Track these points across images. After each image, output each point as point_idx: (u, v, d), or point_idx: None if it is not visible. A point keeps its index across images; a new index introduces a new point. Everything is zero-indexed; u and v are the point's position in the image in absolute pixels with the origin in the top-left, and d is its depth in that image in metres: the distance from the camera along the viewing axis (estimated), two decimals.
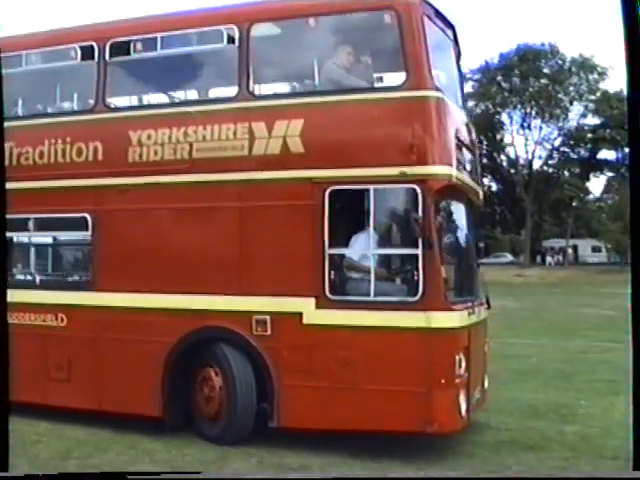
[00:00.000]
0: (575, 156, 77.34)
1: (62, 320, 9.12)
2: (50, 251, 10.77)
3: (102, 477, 5.33)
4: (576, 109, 75.39)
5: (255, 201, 8.35)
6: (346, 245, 8.23)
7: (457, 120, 8.75)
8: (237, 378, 8.24)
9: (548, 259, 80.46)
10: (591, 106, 74.97)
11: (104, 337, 8.87)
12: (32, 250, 10.18)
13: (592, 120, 75.60)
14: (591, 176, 79.08)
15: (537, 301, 35.84)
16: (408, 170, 7.73)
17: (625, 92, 4.12)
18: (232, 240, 8.44)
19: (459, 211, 8.91)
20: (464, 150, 8.72)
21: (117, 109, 9.45)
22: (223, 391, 8.33)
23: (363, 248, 8.12)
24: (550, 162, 77.57)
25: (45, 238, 10.34)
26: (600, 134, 72.76)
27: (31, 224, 9.40)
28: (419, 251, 7.70)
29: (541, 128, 76.26)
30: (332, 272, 8.04)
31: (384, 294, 7.95)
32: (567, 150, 75.86)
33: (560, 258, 78.76)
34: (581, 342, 17.81)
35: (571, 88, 74.30)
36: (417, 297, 7.72)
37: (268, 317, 8.17)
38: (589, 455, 8.15)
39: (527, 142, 77.21)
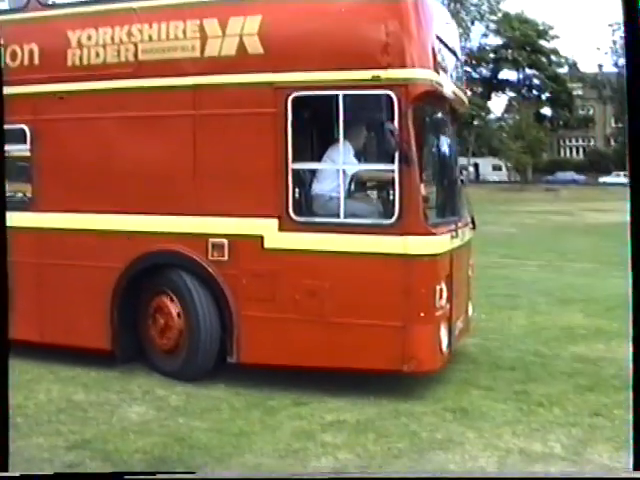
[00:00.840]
0: (477, 75, 79.13)
1: None
2: None
3: (100, 477, 5.13)
4: (478, 29, 77.77)
5: (210, 109, 7.36)
6: (312, 159, 7.33)
7: (438, 18, 7.68)
8: (197, 306, 7.41)
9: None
10: (492, 26, 77.35)
11: (46, 262, 7.99)
12: None
13: (494, 40, 78.61)
14: (493, 95, 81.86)
15: None
16: (382, 74, 6.72)
17: None
18: (185, 153, 7.47)
19: (441, 121, 7.94)
20: (446, 52, 7.67)
21: (53, 6, 8.33)
22: (182, 321, 7.50)
23: (331, 163, 7.18)
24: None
25: None
26: (502, 54, 75.99)
27: None
28: (395, 167, 6.74)
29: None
30: (296, 190, 7.12)
31: (355, 215, 7.03)
32: (469, 69, 75.24)
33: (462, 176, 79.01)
34: (481, 258, 17.52)
35: (472, 8, 74.49)
36: (393, 219, 6.79)
37: (225, 240, 7.28)
38: (488, 366, 8.17)
39: None
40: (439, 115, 7.88)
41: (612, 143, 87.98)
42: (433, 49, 7.05)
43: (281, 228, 7.09)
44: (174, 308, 7.53)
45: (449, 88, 7.69)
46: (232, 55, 7.21)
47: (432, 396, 7.11)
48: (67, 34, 7.80)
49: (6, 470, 3.90)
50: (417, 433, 6.17)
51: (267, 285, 7.14)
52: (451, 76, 7.88)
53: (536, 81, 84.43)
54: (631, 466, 3.94)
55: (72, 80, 7.80)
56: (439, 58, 7.25)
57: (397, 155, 6.69)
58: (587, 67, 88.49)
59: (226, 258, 7.29)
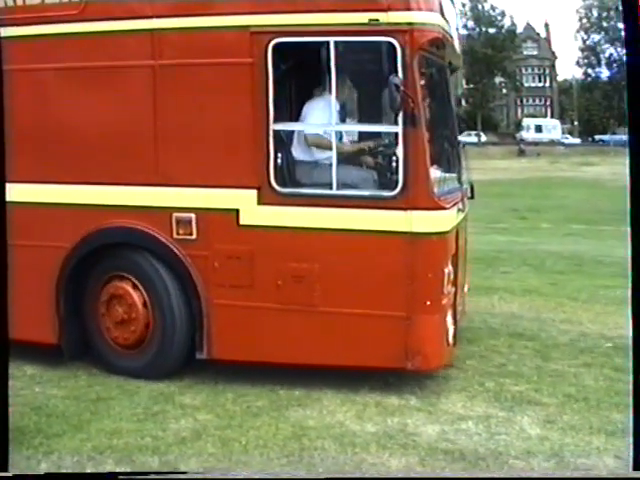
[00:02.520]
0: None
1: None
2: None
3: (93, 477, 4.83)
4: None
5: (172, 59, 6.18)
6: (298, 118, 6.25)
7: None
8: (167, 294, 6.31)
9: None
10: None
11: None
12: None
13: None
14: None
15: None
16: (382, 17, 5.64)
17: None
18: (143, 112, 6.29)
19: (444, 75, 6.88)
20: None
21: None
22: (149, 311, 6.38)
23: (321, 123, 6.11)
24: None
25: None
26: None
27: None
28: (399, 129, 5.70)
29: None
30: (279, 155, 6.00)
31: (351, 186, 5.99)
32: None
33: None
34: None
35: None
36: (396, 191, 5.76)
37: (193, 215, 6.16)
38: None
39: None
40: (442, 68, 6.81)
41: (464, 103, 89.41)
42: None
43: (261, 201, 6.02)
44: (138, 296, 6.41)
45: (450, 37, 6.65)
46: None
47: None
48: None
49: (6, 470, 3.92)
50: (275, 391, 6.13)
51: (244, 269, 6.08)
52: (450, 24, 6.82)
53: None
54: (631, 466, 3.93)
55: (6, 24, 6.36)
56: (443, 1, 6.22)
57: (401, 114, 5.65)
58: None
59: (194, 237, 6.19)
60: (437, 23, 5.91)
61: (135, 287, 6.39)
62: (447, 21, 6.42)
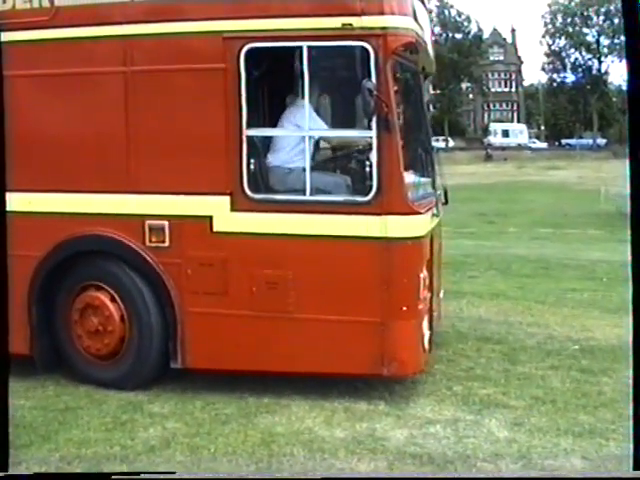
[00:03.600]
0: None
1: None
2: None
3: (86, 477, 4.84)
4: None
5: (144, 65, 6.11)
6: (271, 124, 6.20)
7: None
8: (141, 301, 6.24)
9: None
10: None
11: None
12: None
13: None
14: None
15: None
16: (355, 21, 5.60)
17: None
18: (115, 119, 6.21)
19: (416, 80, 6.86)
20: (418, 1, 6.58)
21: None
22: (125, 321, 6.28)
23: (294, 128, 6.07)
24: None
25: None
26: None
27: None
28: (372, 133, 5.68)
29: None
30: (252, 161, 5.95)
31: (324, 191, 5.97)
32: None
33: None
34: None
35: None
36: (370, 196, 5.73)
37: (166, 222, 6.09)
38: None
39: None
40: (415, 73, 6.80)
41: (431, 109, 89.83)
42: None
43: (234, 207, 5.96)
44: (111, 304, 6.30)
45: (423, 41, 6.64)
46: None
47: None
48: None
49: (6, 470, 3.88)
50: (244, 398, 6.10)
51: (217, 276, 6.02)
52: (423, 29, 6.83)
53: None
54: (631, 466, 3.89)
55: None
56: (416, 7, 6.21)
57: (375, 119, 5.63)
58: None
59: (167, 244, 6.11)
60: (411, 27, 5.88)
61: (110, 296, 6.30)
62: (420, 26, 6.41)
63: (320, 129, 6.03)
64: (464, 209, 22.85)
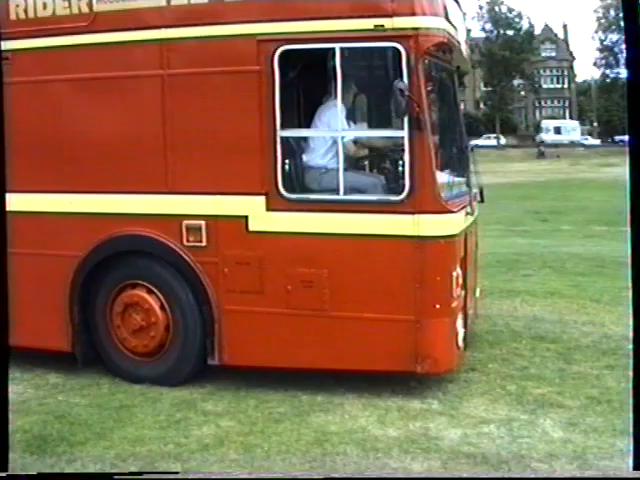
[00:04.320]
0: None
1: None
2: None
3: (88, 477, 4.83)
4: None
5: (180, 68, 6.22)
6: (305, 125, 6.28)
7: None
8: (183, 299, 6.36)
9: None
10: None
11: None
12: None
13: None
14: None
15: None
16: (387, 22, 5.65)
17: None
18: (153, 121, 6.34)
19: (450, 79, 6.89)
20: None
21: None
22: (168, 318, 6.41)
23: (328, 129, 6.14)
24: None
25: None
26: None
27: None
28: (404, 133, 5.71)
29: None
30: (287, 162, 6.04)
31: (358, 191, 6.02)
32: None
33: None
34: None
35: None
36: (402, 195, 5.77)
37: (203, 222, 6.19)
38: None
39: None
40: (449, 72, 6.83)
41: (482, 106, 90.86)
42: None
43: (269, 207, 6.05)
44: (156, 303, 6.43)
45: (456, 40, 6.66)
46: (205, 2, 6.13)
47: None
48: None
49: (6, 470, 3.89)
50: (297, 397, 6.11)
51: (253, 275, 6.11)
52: (456, 28, 6.86)
53: None
54: (631, 466, 3.91)
55: (17, 37, 6.54)
56: (449, 6, 6.23)
57: (407, 119, 5.67)
58: None
59: (204, 243, 6.22)
60: (442, 27, 5.90)
61: (152, 294, 6.43)
62: (454, 26, 6.43)
63: (352, 129, 6.08)
64: (517, 207, 22.74)
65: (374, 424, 5.57)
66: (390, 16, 5.66)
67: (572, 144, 75.56)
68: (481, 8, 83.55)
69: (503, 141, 78.30)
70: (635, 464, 3.85)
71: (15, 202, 6.43)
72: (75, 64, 6.50)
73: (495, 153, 65.28)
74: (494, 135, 78.90)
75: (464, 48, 7.23)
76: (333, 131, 6.06)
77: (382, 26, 5.66)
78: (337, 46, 5.78)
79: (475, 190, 7.21)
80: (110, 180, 6.46)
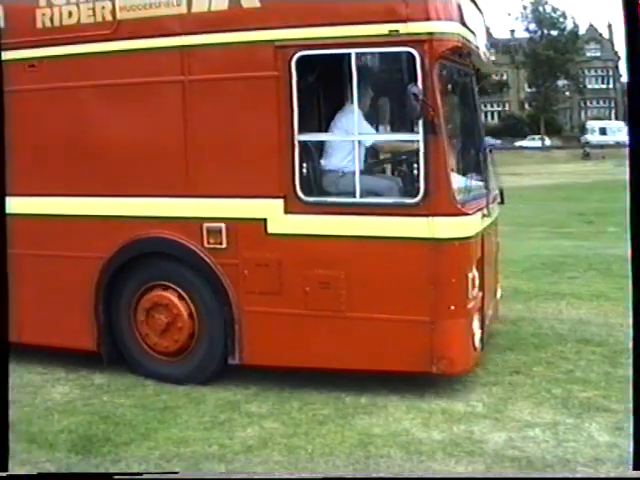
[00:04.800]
0: None
1: None
2: None
3: (89, 477, 4.86)
4: None
5: (200, 74, 6.36)
6: (322, 129, 6.39)
7: None
8: (206, 300, 6.50)
9: None
10: None
11: (20, 253, 6.84)
12: None
13: None
14: None
15: None
16: (402, 27, 5.73)
17: None
18: (174, 126, 6.47)
19: (467, 83, 6.94)
20: (470, 5, 6.69)
21: None
22: (193, 318, 6.55)
23: (344, 133, 6.23)
24: None
25: None
26: None
27: None
28: (419, 137, 5.79)
29: None
30: (304, 165, 6.15)
31: (374, 194, 6.10)
32: None
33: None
34: None
35: None
36: (417, 198, 5.84)
37: (223, 225, 6.31)
38: None
39: None
40: (466, 75, 6.87)
41: (526, 107, 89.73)
42: None
43: (287, 210, 6.15)
44: (182, 304, 6.57)
45: (473, 43, 6.72)
46: (224, 10, 6.22)
47: None
48: None
49: (6, 470, 3.90)
50: (341, 399, 6.13)
51: (272, 276, 6.22)
52: (474, 31, 6.91)
53: None
54: (631, 466, 3.89)
55: (43, 45, 6.78)
56: (465, 10, 6.29)
57: (421, 123, 5.74)
58: (499, 33, 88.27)
59: (224, 245, 6.34)
60: (457, 32, 5.96)
61: (177, 295, 6.57)
62: (471, 30, 6.48)
63: (368, 133, 6.16)
64: (562, 209, 22.63)
65: (418, 427, 5.57)
66: (405, 21, 5.73)
67: (618, 145, 74.33)
68: (525, 8, 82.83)
69: (548, 142, 77.52)
70: (635, 464, 3.85)
71: (45, 205, 6.73)
72: (99, 71, 6.65)
73: (540, 154, 64.74)
74: (539, 136, 78.16)
75: (484, 51, 7.26)
76: (349, 135, 6.13)
77: (397, 31, 5.73)
78: (353, 51, 5.87)
79: (494, 192, 7.26)
80: (133, 184, 6.61)
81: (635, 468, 3.85)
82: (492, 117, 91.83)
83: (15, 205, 6.69)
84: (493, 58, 7.76)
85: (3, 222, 3.85)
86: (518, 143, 76.38)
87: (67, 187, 6.79)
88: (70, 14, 6.67)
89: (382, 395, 6.14)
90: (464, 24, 6.18)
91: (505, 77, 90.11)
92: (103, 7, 6.55)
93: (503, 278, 10.79)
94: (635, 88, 3.78)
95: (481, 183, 6.91)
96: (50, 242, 6.86)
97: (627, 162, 3.79)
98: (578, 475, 4.81)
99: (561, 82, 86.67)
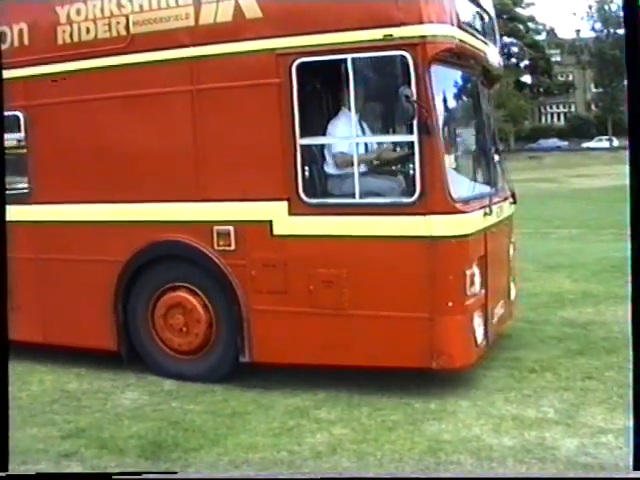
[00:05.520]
0: None
1: None
2: None
3: (88, 477, 5.01)
4: None
5: (208, 83, 6.61)
6: (322, 133, 6.53)
7: None
8: (218, 301, 6.78)
9: None
10: None
11: (45, 258, 7.40)
12: None
13: None
14: None
15: None
16: (395, 32, 5.90)
17: None
18: (185, 133, 6.76)
19: (470, 84, 7.06)
20: (473, 8, 6.81)
21: None
22: (210, 318, 6.83)
23: (343, 136, 6.42)
24: None
25: None
26: None
27: None
28: (414, 137, 5.95)
29: None
30: (306, 168, 6.37)
31: (372, 194, 6.26)
32: None
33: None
34: None
35: None
36: (414, 197, 5.99)
37: (231, 228, 6.57)
38: None
39: None
40: (468, 77, 6.99)
41: (593, 108, 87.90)
42: (454, 2, 6.22)
43: (291, 212, 6.36)
44: (199, 304, 6.86)
45: (478, 47, 6.84)
46: (229, 21, 6.47)
47: None
48: (56, 10, 7.15)
49: (6, 470, 3.92)
50: (410, 404, 6.10)
51: (278, 276, 6.43)
52: (482, 35, 7.03)
53: (514, 49, 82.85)
54: (631, 466, 3.90)
55: (63, 60, 7.15)
56: (463, 13, 6.42)
57: (416, 124, 5.90)
58: (564, 33, 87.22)
59: (233, 247, 6.59)
60: (451, 35, 6.08)
61: (195, 295, 6.84)
62: (472, 33, 6.61)
63: (366, 135, 6.34)
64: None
65: (488, 433, 5.51)
66: (398, 25, 5.89)
67: None
68: (590, 7, 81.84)
69: (616, 143, 76.07)
70: (635, 464, 3.85)
71: (67, 212, 7.09)
72: (114, 83, 6.96)
73: (607, 155, 63.47)
74: (606, 137, 76.86)
75: (491, 53, 7.37)
76: (348, 138, 6.32)
77: (390, 35, 5.90)
78: (349, 57, 6.05)
79: (504, 192, 7.37)
80: (147, 190, 6.90)
81: (635, 468, 3.86)
82: (558, 118, 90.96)
83: (43, 213, 7.24)
84: (499, 62, 7.78)
85: (3, 225, 3.89)
86: (585, 144, 75.47)
87: (88, 194, 7.13)
88: (88, 30, 7.02)
89: (451, 401, 6.15)
90: (461, 27, 6.29)
91: (571, 78, 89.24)
92: (118, 22, 6.87)
93: (572, 282, 10.93)
94: (635, 88, 3.79)
95: (485, 182, 7.02)
96: (73, 247, 7.22)
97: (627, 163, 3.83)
98: (578, 475, 4.83)
99: None
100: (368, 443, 5.39)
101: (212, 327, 6.81)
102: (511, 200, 7.61)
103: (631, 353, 3.80)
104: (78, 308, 7.25)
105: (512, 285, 7.83)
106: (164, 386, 6.79)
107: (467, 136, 7.18)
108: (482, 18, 7.11)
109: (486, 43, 7.18)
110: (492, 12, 7.64)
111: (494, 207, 6.75)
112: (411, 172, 6.09)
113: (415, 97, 5.84)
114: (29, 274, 7.28)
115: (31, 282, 7.34)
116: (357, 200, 6.19)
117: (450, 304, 6.02)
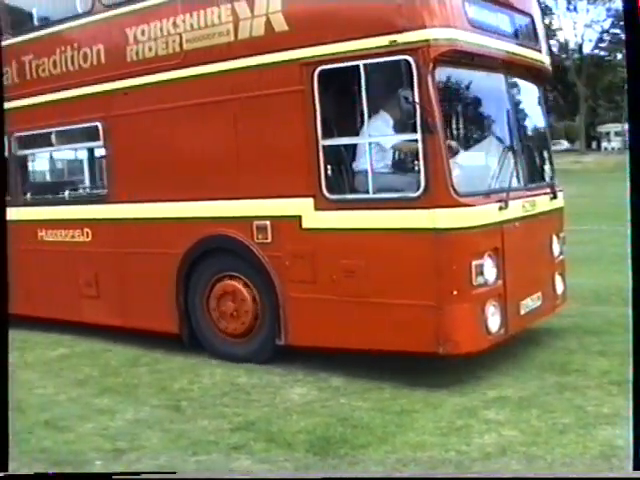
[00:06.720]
0: None
1: (87, 235, 8.81)
2: (76, 165, 10.46)
3: (88, 477, 5.10)
4: None
5: (247, 92, 7.31)
6: (340, 135, 7.01)
7: None
8: (261, 288, 7.49)
9: (604, 144, 75.98)
10: None
11: (121, 251, 8.46)
12: (58, 165, 9.88)
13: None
14: None
15: (596, 187, 33.47)
16: (399, 38, 6.35)
17: None
18: (229, 137, 7.51)
19: (489, 83, 7.34)
20: (493, 8, 7.10)
21: (112, 6, 8.48)
22: (257, 304, 7.54)
23: (358, 137, 6.92)
24: (601, 45, 74.90)
25: (68, 152, 10.06)
26: None
27: (53, 138, 9.11)
28: (418, 136, 6.37)
29: (588, 10, 73.87)
30: (328, 167, 6.91)
31: (383, 190, 6.72)
32: (618, 32, 66.91)
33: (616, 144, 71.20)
34: None
35: None
36: (419, 192, 6.41)
37: (268, 222, 7.26)
38: None
39: (575, 26, 75.53)
40: (488, 76, 7.27)
41: None
42: (461, 5, 6.61)
43: (316, 207, 6.94)
44: (248, 292, 7.57)
45: (498, 47, 7.12)
46: (261, 35, 7.14)
47: (596, 369, 6.88)
48: (125, 31, 8.11)
49: (6, 470, 3.94)
50: (582, 407, 5.97)
51: (308, 266, 7.02)
52: (512, 35, 7.32)
53: None
54: (631, 466, 3.89)
55: (132, 75, 8.12)
56: (478, 16, 6.77)
57: (419, 123, 6.32)
58: None
59: (269, 240, 7.26)
60: (455, 37, 6.45)
61: (245, 284, 7.57)
62: (491, 34, 6.95)
63: (377, 136, 6.80)
64: None
65: None
66: (402, 31, 6.34)
67: None
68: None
69: None
70: (635, 464, 3.85)
71: (135, 210, 8.05)
72: (173, 95, 7.82)
73: None
74: None
75: (524, 50, 7.58)
76: (362, 138, 6.82)
77: (395, 41, 6.35)
78: (361, 63, 6.54)
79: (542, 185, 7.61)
80: (201, 189, 7.70)
81: (635, 468, 3.87)
82: None
83: (117, 211, 8.28)
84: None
85: (3, 222, 3.96)
86: None
87: (153, 194, 8.08)
88: (150, 48, 7.93)
89: (625, 405, 5.68)
90: (473, 29, 6.65)
91: None
92: (174, 40, 7.73)
93: None
94: (635, 88, 3.80)
95: (515, 177, 7.30)
96: (142, 240, 8.22)
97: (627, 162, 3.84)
98: (578, 475, 4.83)
99: None
100: (538, 446, 5.25)
101: (257, 313, 7.51)
102: (551, 195, 7.80)
103: (631, 353, 3.82)
104: (148, 296, 8.19)
105: (558, 279, 8.00)
106: (332, 382, 6.93)
107: (485, 132, 7.44)
108: (512, 18, 7.37)
109: (519, 42, 7.45)
110: (533, 10, 7.88)
111: (518, 201, 7.04)
112: (416, 168, 6.50)
113: (417, 98, 6.27)
114: (112, 266, 8.47)
115: (114, 273, 8.49)
116: (370, 195, 6.69)
117: (455, 293, 6.37)
